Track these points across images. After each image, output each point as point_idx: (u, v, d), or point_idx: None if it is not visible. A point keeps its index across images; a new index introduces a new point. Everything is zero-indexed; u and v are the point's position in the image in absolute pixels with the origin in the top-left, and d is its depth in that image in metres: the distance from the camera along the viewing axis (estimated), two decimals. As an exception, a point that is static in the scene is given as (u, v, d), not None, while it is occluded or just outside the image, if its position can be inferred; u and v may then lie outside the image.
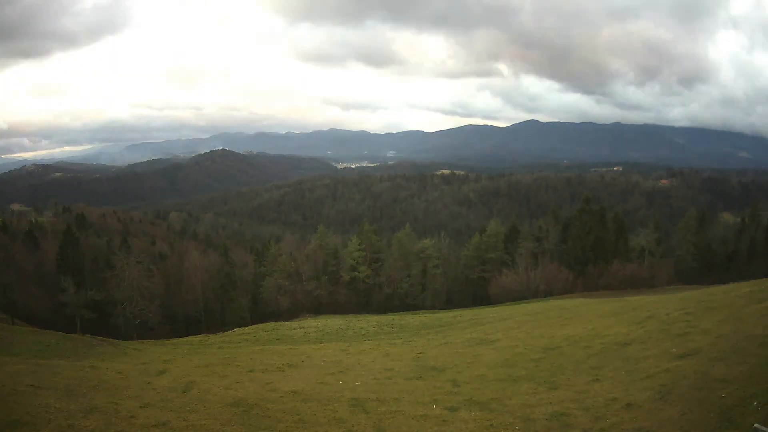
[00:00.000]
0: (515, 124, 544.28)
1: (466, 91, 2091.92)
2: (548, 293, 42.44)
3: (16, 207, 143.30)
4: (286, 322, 34.41)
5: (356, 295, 51.08)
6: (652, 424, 6.99)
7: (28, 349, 16.74)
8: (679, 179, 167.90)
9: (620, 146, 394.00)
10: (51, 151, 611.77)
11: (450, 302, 50.62)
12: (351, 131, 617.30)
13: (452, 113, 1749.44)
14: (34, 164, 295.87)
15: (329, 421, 8.40)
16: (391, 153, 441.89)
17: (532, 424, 7.78)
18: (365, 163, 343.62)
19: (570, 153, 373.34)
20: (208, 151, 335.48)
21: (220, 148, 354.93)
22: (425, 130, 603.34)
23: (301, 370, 12.91)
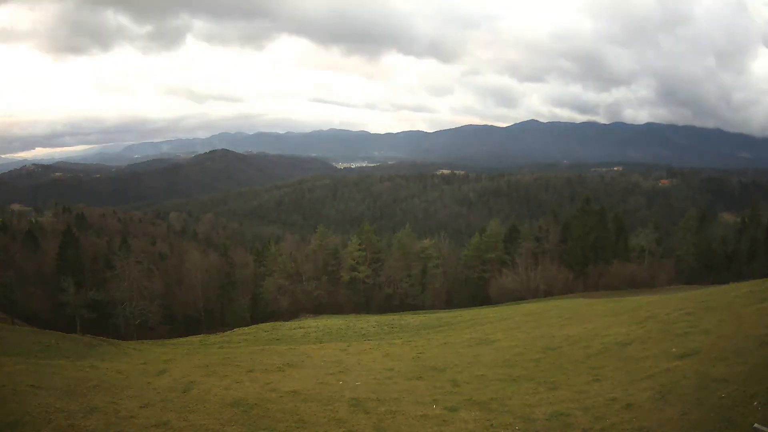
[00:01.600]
0: (515, 124, 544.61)
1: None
2: (548, 293, 42.44)
3: (16, 207, 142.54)
4: (286, 322, 34.34)
5: (356, 295, 51.07)
6: (652, 424, 7.00)
7: (28, 349, 16.69)
8: (679, 179, 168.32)
9: (620, 146, 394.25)
10: (51, 150, 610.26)
11: (450, 302, 50.65)
12: (351, 131, 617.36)
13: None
14: (34, 164, 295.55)
15: (329, 421, 8.40)
16: (390, 153, 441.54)
17: (532, 424, 7.78)
18: (365, 163, 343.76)
19: (570, 153, 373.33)
20: (207, 151, 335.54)
21: (220, 148, 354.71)
22: (425, 130, 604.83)
23: (301, 370, 12.89)
